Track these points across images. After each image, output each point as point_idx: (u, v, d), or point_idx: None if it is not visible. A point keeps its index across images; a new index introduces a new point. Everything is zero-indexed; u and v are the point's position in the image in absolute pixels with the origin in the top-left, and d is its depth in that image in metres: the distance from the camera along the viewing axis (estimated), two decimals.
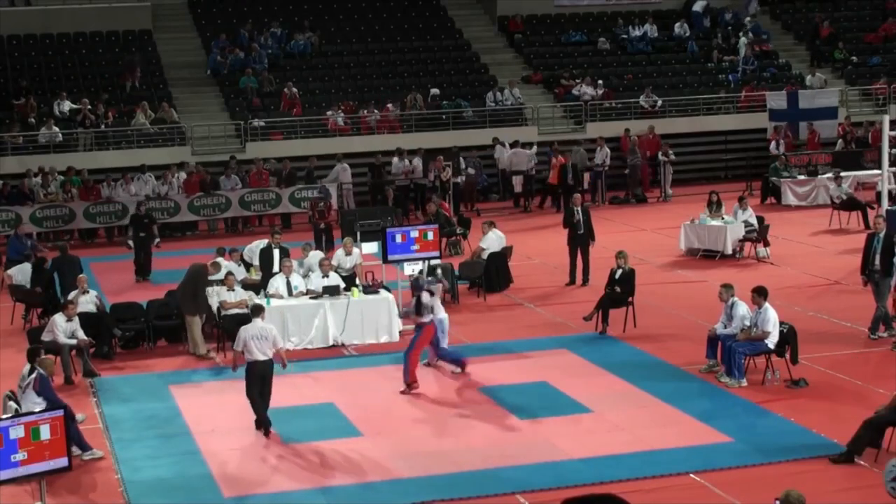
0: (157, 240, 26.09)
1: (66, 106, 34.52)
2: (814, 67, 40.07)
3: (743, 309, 16.93)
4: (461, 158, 33.41)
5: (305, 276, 20.56)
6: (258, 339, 15.38)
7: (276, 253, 21.56)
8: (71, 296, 19.51)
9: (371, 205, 32.14)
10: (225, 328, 19.46)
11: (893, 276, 18.73)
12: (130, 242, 25.89)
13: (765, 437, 14.54)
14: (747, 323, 16.81)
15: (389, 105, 35.73)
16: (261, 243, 22.85)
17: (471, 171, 33.63)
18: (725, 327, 17.05)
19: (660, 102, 37.41)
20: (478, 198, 33.96)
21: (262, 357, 15.35)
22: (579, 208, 23.54)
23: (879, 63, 40.51)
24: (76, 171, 31.54)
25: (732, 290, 17.22)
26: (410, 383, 16.85)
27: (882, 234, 18.91)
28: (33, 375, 14.78)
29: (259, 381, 15.41)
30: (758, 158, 35.78)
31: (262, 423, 15.44)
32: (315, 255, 21.60)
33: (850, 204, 28.91)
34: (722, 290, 17.26)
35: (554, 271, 24.53)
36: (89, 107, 34.06)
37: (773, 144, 34.91)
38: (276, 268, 21.15)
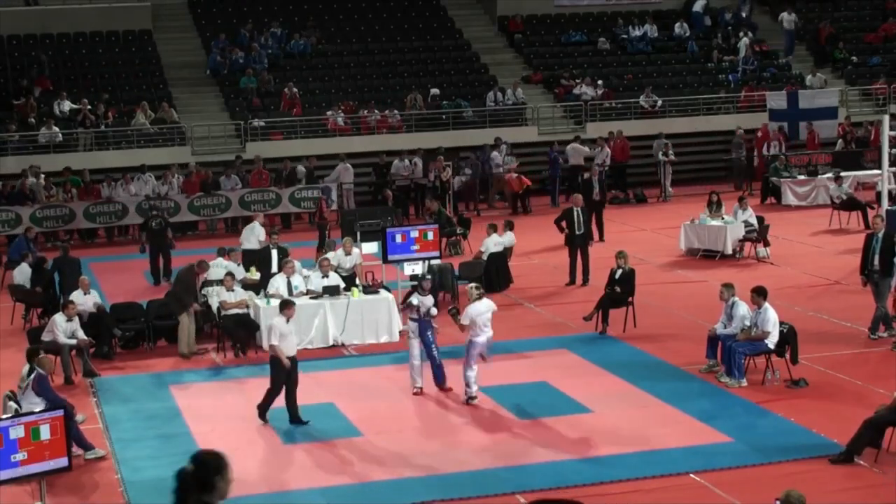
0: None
1: (66, 106, 34.54)
2: (816, 68, 39.98)
3: (743, 309, 16.93)
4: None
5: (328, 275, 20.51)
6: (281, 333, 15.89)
7: (274, 253, 21.57)
8: (80, 299, 19.45)
9: (373, 205, 32.11)
10: (225, 328, 19.48)
11: (893, 276, 18.72)
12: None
13: (765, 437, 14.54)
14: (747, 323, 16.81)
15: (386, 113, 35.67)
16: (254, 226, 23.69)
17: (468, 171, 33.62)
18: (725, 327, 17.05)
19: (660, 102, 37.42)
20: (478, 198, 33.91)
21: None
22: (579, 209, 23.54)
23: (879, 63, 40.53)
24: (72, 171, 31.50)
25: (733, 289, 17.22)
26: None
27: (881, 234, 18.90)
28: (32, 376, 14.78)
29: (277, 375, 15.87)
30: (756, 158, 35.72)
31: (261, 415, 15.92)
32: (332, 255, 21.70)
33: (850, 204, 28.90)
34: (723, 289, 17.26)
35: (554, 271, 24.53)
36: (89, 107, 34.08)
37: (764, 146, 34.82)
38: (274, 268, 21.16)
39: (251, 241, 23.76)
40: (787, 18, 41.21)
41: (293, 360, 15.71)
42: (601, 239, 27.09)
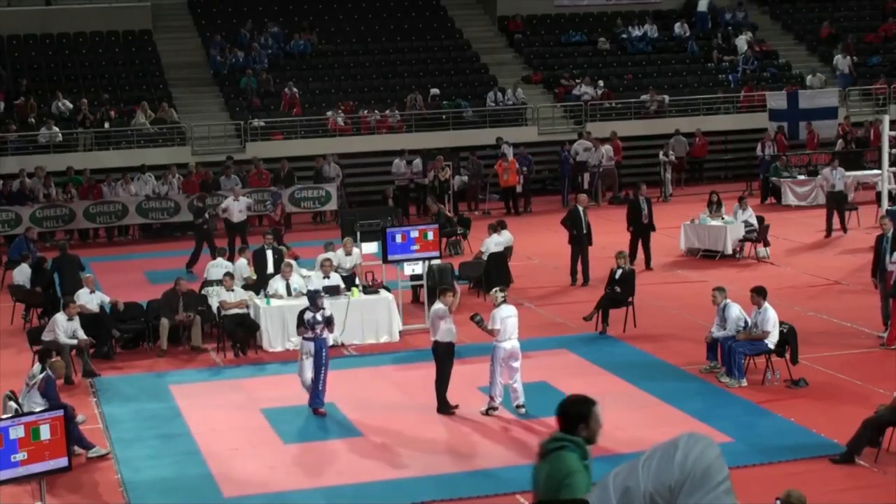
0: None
1: (66, 105, 34.53)
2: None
3: (735, 311, 16.88)
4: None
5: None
6: (434, 320, 15.86)
7: (269, 253, 21.58)
8: (85, 298, 19.50)
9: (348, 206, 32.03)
10: (225, 328, 19.50)
11: None
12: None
13: (765, 437, 14.54)
14: (741, 325, 16.79)
15: (386, 113, 35.65)
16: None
17: (466, 172, 33.56)
18: (720, 330, 17.00)
19: (667, 100, 37.31)
20: (478, 198, 33.87)
21: (434, 337, 15.88)
22: (582, 208, 23.52)
23: (879, 63, 40.50)
24: (75, 171, 31.54)
25: (725, 292, 17.16)
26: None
27: (890, 235, 18.87)
28: (41, 375, 14.82)
29: (436, 361, 15.89)
30: (755, 158, 35.66)
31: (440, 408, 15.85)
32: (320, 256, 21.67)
33: (837, 196, 28.35)
34: (715, 293, 17.17)
35: (554, 271, 24.53)
36: (89, 107, 34.05)
37: (758, 147, 34.72)
38: (270, 269, 21.17)
39: (234, 214, 26.97)
40: (842, 62, 39.70)
41: (450, 346, 15.80)
42: (648, 266, 24.25)
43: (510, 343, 15.72)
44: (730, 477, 2.51)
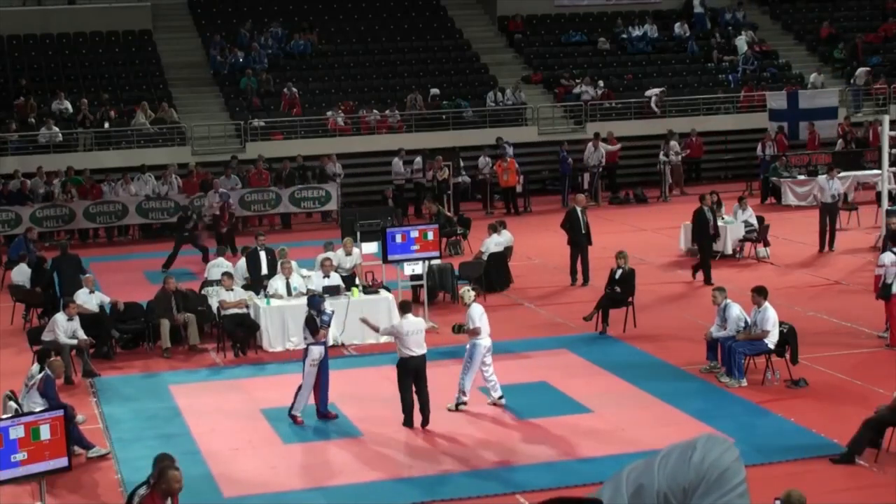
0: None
1: (65, 105, 34.54)
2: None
3: (736, 310, 16.89)
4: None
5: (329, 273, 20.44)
6: (416, 334, 15.31)
7: (262, 254, 21.58)
8: (84, 298, 19.54)
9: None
10: (225, 328, 19.50)
11: None
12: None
13: (765, 437, 14.55)
14: (741, 325, 16.79)
15: (386, 113, 35.63)
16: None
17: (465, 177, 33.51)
18: (720, 330, 17.01)
19: (663, 88, 37.27)
20: (474, 197, 33.87)
21: (419, 351, 15.31)
22: (580, 209, 23.51)
23: (879, 63, 40.48)
24: (75, 171, 31.54)
25: (725, 292, 17.18)
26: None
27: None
28: (40, 375, 14.84)
29: (414, 375, 15.34)
30: (755, 158, 35.66)
31: (425, 416, 15.33)
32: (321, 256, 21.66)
33: (831, 208, 27.72)
34: (715, 293, 17.20)
35: (554, 271, 24.53)
36: (89, 107, 34.05)
37: (759, 147, 34.69)
38: (264, 269, 21.16)
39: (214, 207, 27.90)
40: (864, 77, 39.05)
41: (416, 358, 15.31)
42: (708, 281, 22.35)
43: (488, 340, 15.87)
44: (746, 480, 2.50)
